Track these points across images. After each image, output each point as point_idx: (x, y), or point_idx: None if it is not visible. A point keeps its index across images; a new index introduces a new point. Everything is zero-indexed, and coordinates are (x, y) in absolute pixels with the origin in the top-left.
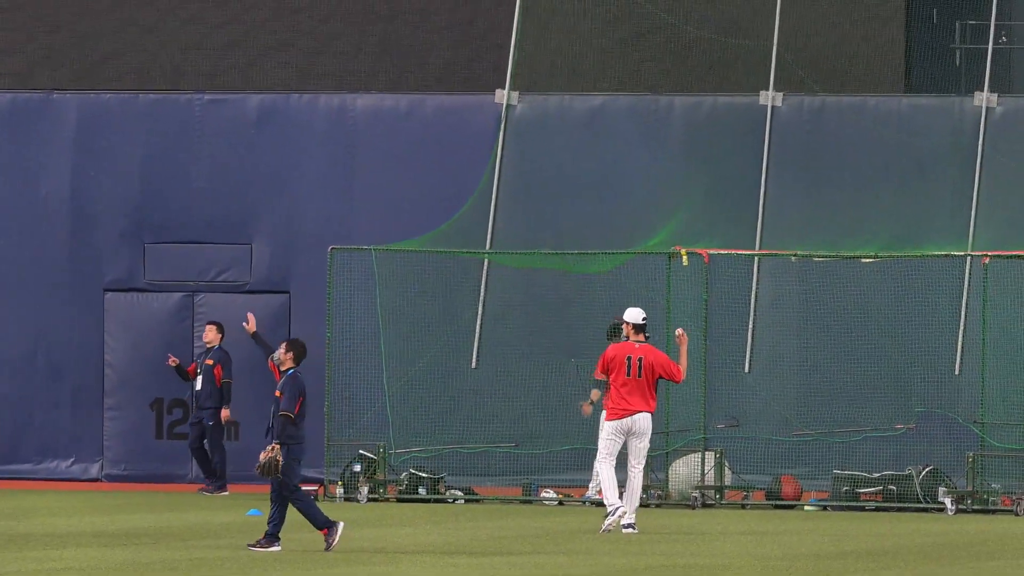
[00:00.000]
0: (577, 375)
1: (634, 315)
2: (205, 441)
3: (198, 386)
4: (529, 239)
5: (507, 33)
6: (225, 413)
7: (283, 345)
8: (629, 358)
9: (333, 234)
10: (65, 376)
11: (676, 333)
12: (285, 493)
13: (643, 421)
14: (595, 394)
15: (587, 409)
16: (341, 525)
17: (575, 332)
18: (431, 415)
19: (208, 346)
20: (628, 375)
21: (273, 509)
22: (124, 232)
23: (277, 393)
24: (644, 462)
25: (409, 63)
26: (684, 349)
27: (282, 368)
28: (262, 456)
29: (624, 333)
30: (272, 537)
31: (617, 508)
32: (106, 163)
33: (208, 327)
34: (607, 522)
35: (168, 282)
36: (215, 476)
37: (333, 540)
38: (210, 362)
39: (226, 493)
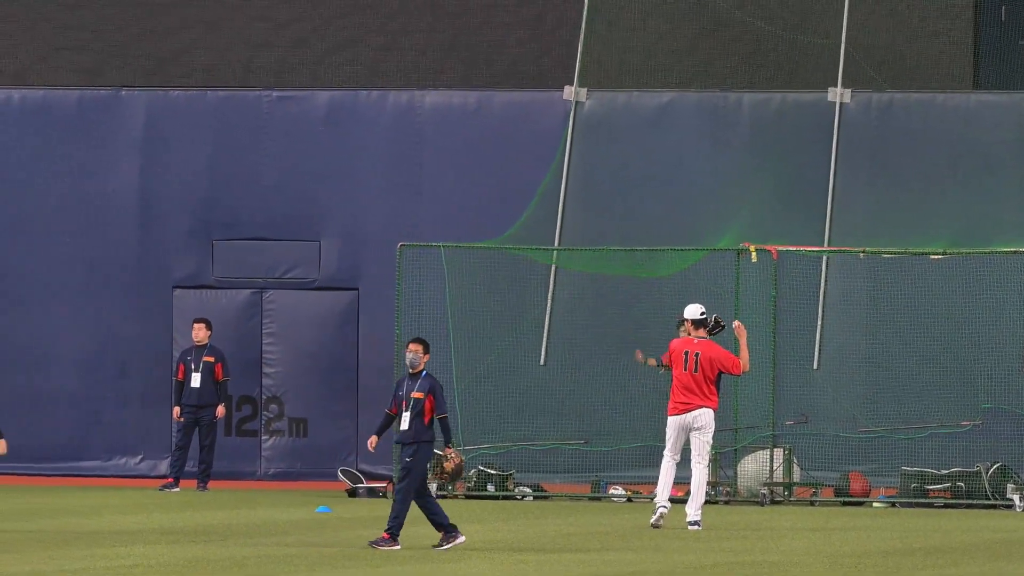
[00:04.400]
0: (646, 371)
1: (692, 311)
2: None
3: (196, 384)
4: (596, 236)
5: (575, 30)
6: (221, 410)
7: (416, 348)
8: (687, 353)
9: (401, 231)
10: (133, 373)
11: (734, 325)
12: (398, 485)
13: (703, 416)
14: (652, 361)
15: (639, 355)
16: (398, 547)
17: (643, 328)
18: (500, 412)
19: (199, 344)
20: (685, 370)
21: (426, 506)
22: (192, 229)
23: (416, 394)
24: (707, 458)
25: (477, 59)
26: (744, 341)
27: (418, 368)
28: (447, 465)
29: (684, 329)
30: (447, 528)
31: (659, 508)
32: (174, 160)
33: (197, 325)
34: (651, 519)
35: (237, 279)
36: (208, 475)
37: (382, 546)
38: (210, 359)
39: (177, 490)
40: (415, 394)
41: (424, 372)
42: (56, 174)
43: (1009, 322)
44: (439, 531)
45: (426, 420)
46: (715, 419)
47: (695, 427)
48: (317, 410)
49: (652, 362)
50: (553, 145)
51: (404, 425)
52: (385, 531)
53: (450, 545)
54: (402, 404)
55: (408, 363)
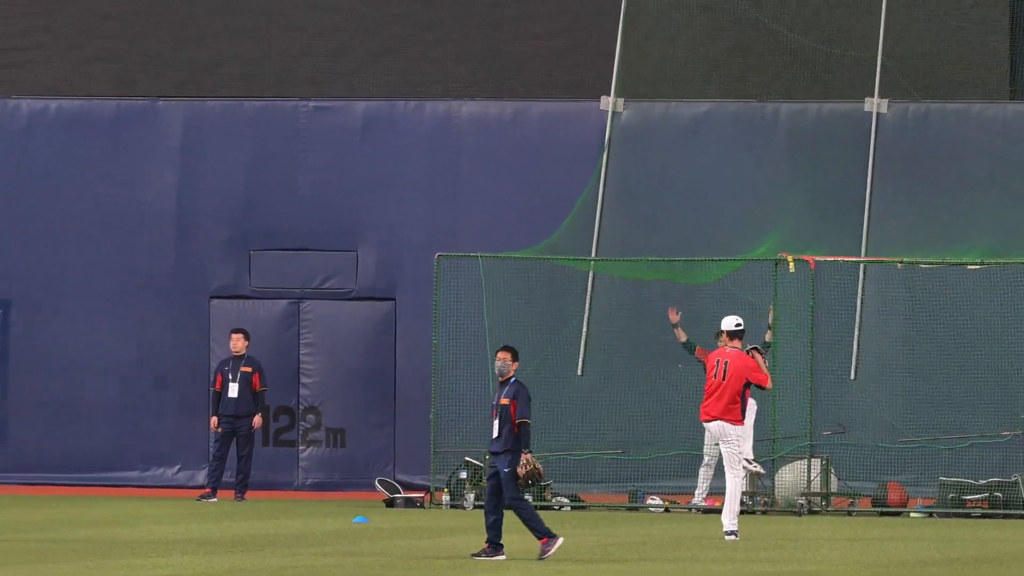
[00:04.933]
0: (684, 381)
1: (728, 322)
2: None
3: (233, 394)
4: (634, 246)
5: (612, 40)
6: (257, 420)
7: (504, 355)
8: (718, 361)
9: (439, 241)
10: (171, 384)
11: (747, 350)
12: (508, 501)
13: (719, 428)
14: (682, 335)
15: (674, 314)
16: (560, 540)
17: None
18: (537, 422)
19: (236, 354)
20: (714, 377)
21: (492, 518)
22: (230, 239)
23: (504, 400)
24: (736, 468)
25: (515, 70)
26: (760, 361)
27: (507, 376)
28: (520, 470)
29: (721, 340)
30: (496, 546)
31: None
32: (211, 170)
33: (235, 335)
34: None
35: (274, 289)
36: (245, 485)
37: (550, 550)
38: (247, 369)
39: (215, 500)
40: (503, 401)
41: (513, 379)
42: (93, 184)
43: None
44: (486, 543)
45: (515, 427)
46: (741, 428)
47: (719, 437)
48: (355, 420)
49: (682, 335)
50: (590, 155)
51: (495, 433)
52: (539, 539)
53: (486, 558)
54: (492, 412)
55: (497, 371)
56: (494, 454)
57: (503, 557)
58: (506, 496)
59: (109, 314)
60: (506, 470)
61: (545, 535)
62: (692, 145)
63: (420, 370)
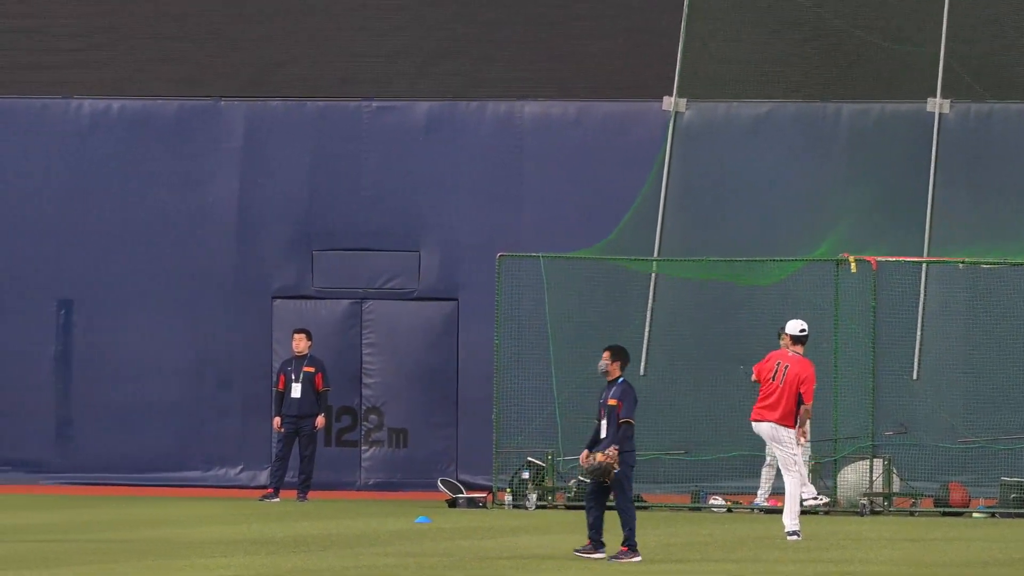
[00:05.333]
0: (746, 381)
1: (792, 327)
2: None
3: (296, 394)
4: (695, 246)
5: (675, 40)
6: (321, 420)
7: (606, 355)
8: (778, 363)
9: (501, 241)
10: (234, 384)
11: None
12: (620, 500)
13: (767, 430)
14: None
15: None
16: (638, 559)
17: (743, 339)
18: None
19: (299, 354)
20: (772, 379)
21: (593, 516)
22: (292, 240)
23: (611, 401)
24: (793, 469)
25: (577, 70)
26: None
27: (609, 378)
28: (599, 457)
29: (783, 342)
30: (598, 543)
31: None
32: (274, 170)
33: (298, 335)
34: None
35: (336, 289)
36: (307, 485)
37: (623, 559)
38: (310, 369)
39: (277, 500)
40: (610, 401)
41: (620, 379)
42: (155, 184)
43: None
44: (589, 540)
45: (620, 429)
46: (793, 432)
47: (772, 440)
48: (417, 420)
49: None
50: (652, 155)
51: (602, 433)
52: (623, 545)
53: (585, 556)
54: (599, 412)
55: (599, 371)
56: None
57: (603, 556)
58: (618, 497)
59: (171, 315)
60: (616, 470)
61: (631, 546)
62: (753, 145)
63: (482, 370)
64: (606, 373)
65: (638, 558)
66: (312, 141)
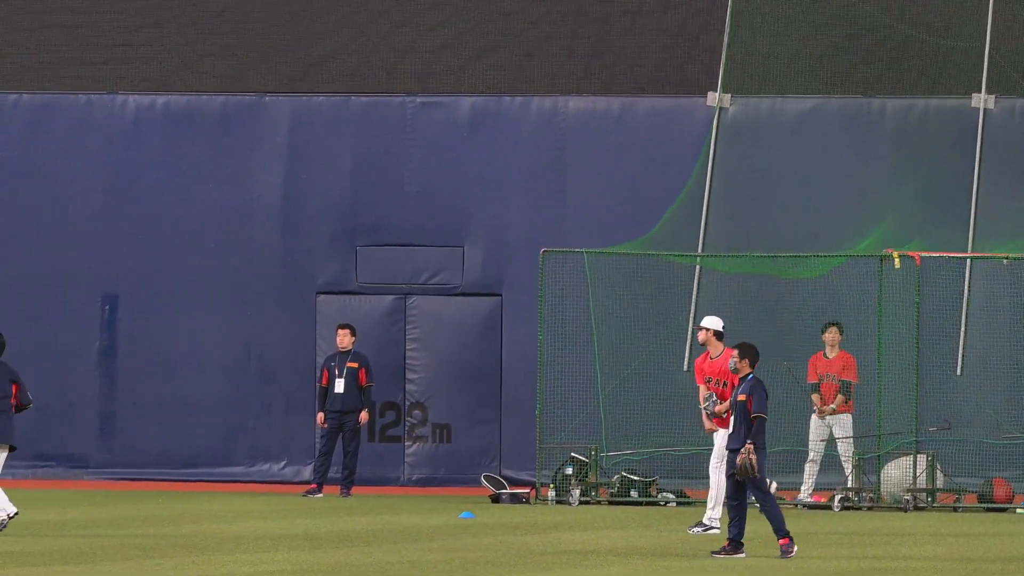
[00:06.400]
0: (791, 377)
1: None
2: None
3: (339, 389)
4: (738, 242)
5: (719, 36)
6: (364, 416)
7: (735, 352)
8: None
9: (545, 236)
10: (277, 379)
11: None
12: (756, 496)
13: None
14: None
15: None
16: (795, 551)
17: (787, 335)
18: (643, 417)
19: (343, 350)
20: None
21: (733, 515)
22: (336, 235)
23: (740, 397)
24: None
25: (621, 65)
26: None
27: (740, 374)
28: (739, 459)
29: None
30: (736, 544)
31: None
32: (318, 166)
33: (342, 331)
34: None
35: (380, 284)
36: (351, 481)
37: (792, 551)
38: (354, 365)
39: (321, 495)
40: (740, 397)
41: (750, 375)
42: (199, 180)
43: None
44: (727, 542)
45: (753, 424)
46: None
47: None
48: (461, 416)
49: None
50: (696, 151)
51: (731, 429)
52: (780, 539)
53: (724, 556)
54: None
55: (730, 368)
56: (732, 451)
57: (743, 555)
58: (753, 493)
59: (215, 310)
60: (755, 465)
61: (786, 536)
62: (798, 141)
63: (526, 366)
64: (736, 371)
65: (743, 554)
66: (356, 136)
